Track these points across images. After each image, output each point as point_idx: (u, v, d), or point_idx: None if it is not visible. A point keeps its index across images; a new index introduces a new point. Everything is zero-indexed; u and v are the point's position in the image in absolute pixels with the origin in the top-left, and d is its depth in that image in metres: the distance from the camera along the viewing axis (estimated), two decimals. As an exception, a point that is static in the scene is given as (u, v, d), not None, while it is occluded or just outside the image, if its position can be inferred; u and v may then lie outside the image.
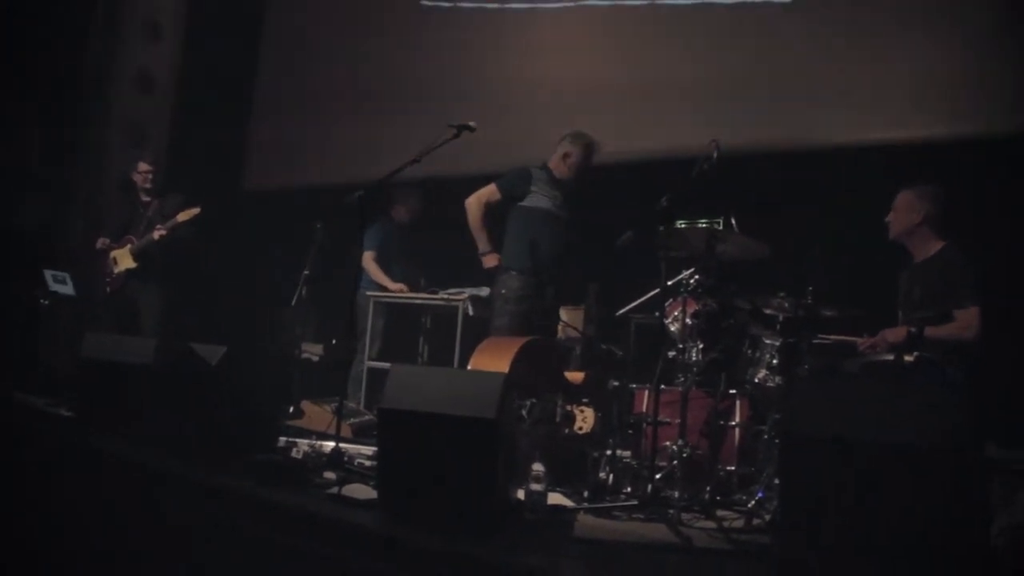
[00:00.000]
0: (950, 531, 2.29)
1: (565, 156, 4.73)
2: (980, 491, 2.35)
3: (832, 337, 3.97)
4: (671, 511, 3.14)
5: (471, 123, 4.31)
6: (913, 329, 3.62)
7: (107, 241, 5.96)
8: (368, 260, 5.96)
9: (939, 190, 3.93)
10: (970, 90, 4.60)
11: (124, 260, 5.86)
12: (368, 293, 5.86)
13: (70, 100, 7.36)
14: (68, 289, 6.47)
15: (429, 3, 6.92)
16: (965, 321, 3.66)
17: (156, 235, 5.67)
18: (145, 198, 6.00)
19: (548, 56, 6.21)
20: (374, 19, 7.31)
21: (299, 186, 7.43)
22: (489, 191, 4.73)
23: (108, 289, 5.94)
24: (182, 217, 5.62)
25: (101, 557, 3.33)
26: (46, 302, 6.32)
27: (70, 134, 7.35)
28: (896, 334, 3.74)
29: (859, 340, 3.91)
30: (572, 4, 6.18)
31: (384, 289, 5.89)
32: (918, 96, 4.76)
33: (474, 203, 4.72)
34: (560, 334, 4.97)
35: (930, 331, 3.61)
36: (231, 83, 7.83)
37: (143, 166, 6.01)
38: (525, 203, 4.69)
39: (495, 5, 6.55)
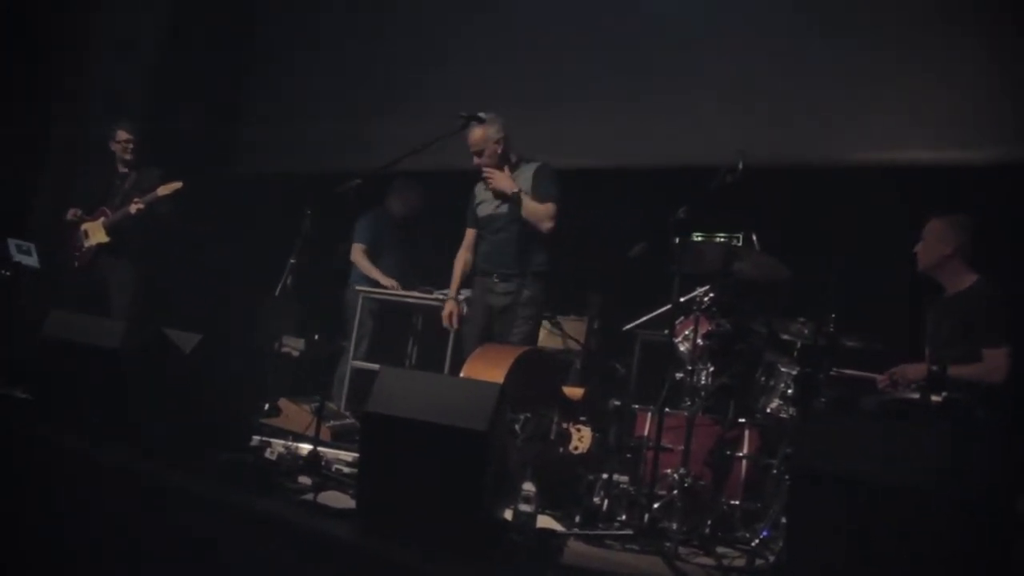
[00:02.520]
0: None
1: None
2: (1006, 546, 2.33)
3: (850, 372, 3.96)
4: (668, 544, 3.13)
5: (481, 114, 4.34)
6: (935, 367, 3.61)
7: (79, 212, 5.91)
8: (358, 253, 5.95)
9: (972, 219, 3.92)
10: (1012, 113, 4.62)
11: (96, 234, 5.81)
12: (358, 288, 5.86)
13: (45, 60, 7.33)
14: (32, 261, 6.43)
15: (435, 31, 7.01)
16: (993, 362, 3.64)
17: (132, 209, 5.61)
18: (123, 169, 5.95)
19: (559, 54, 6.25)
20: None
21: (290, 170, 7.43)
22: (467, 236, 4.79)
23: (76, 264, 5.90)
24: (162, 191, 5.56)
25: (42, 549, 3.31)
26: (7, 273, 6.29)
27: (44, 97, 7.33)
28: (917, 371, 3.73)
29: (879, 377, 3.91)
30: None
31: (376, 284, 5.89)
32: (957, 117, 4.79)
33: (462, 254, 4.79)
34: (561, 344, 4.97)
35: (954, 370, 3.58)
36: (221, 52, 7.82)
37: (122, 135, 5.96)
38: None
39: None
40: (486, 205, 4.64)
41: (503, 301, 4.51)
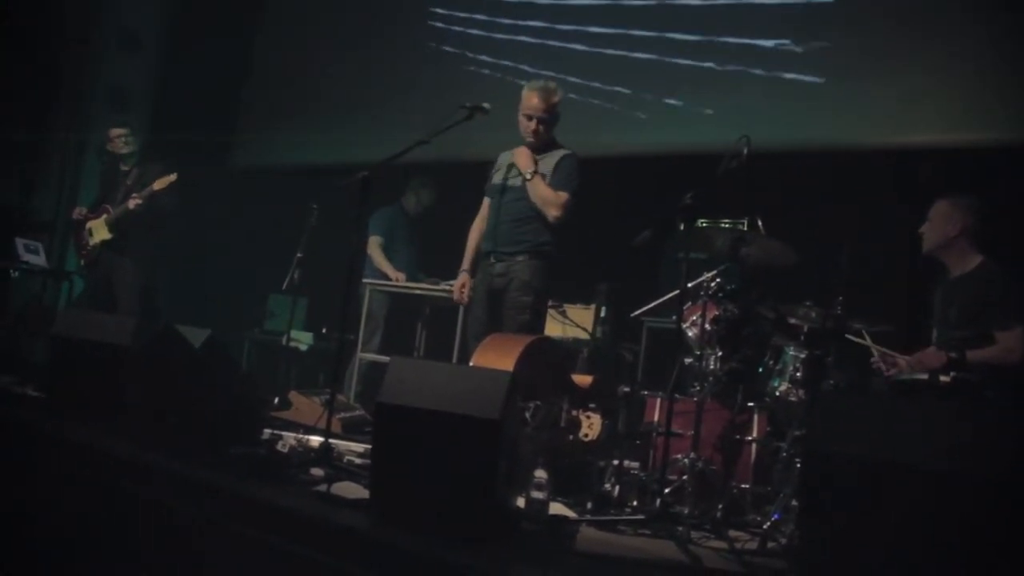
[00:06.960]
0: (989, 570, 2.28)
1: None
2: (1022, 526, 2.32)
3: (863, 342, 3.92)
4: (680, 528, 3.14)
5: (485, 104, 4.32)
6: (954, 354, 3.62)
7: (83, 211, 5.96)
8: (374, 246, 6.08)
9: (978, 200, 3.93)
10: (1020, 94, 4.61)
11: (99, 231, 5.85)
12: (366, 281, 5.92)
13: (49, 59, 7.36)
14: (40, 260, 6.48)
15: (440, 24, 7.05)
16: (1009, 343, 3.64)
17: (131, 204, 5.65)
18: (124, 166, 5.99)
19: (562, 42, 6.27)
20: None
21: (295, 163, 7.45)
22: (484, 206, 4.66)
23: (83, 262, 5.95)
24: (158, 186, 5.58)
25: (60, 547, 3.34)
26: (15, 273, 6.33)
27: (50, 96, 7.36)
28: (936, 359, 3.71)
29: (881, 363, 3.90)
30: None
31: (385, 277, 5.96)
32: (965, 98, 4.79)
33: (477, 224, 4.66)
34: (569, 332, 4.98)
35: (972, 355, 3.61)
36: (225, 47, 7.84)
37: (115, 131, 6.00)
38: None
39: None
40: (500, 174, 4.55)
41: (498, 284, 4.42)
